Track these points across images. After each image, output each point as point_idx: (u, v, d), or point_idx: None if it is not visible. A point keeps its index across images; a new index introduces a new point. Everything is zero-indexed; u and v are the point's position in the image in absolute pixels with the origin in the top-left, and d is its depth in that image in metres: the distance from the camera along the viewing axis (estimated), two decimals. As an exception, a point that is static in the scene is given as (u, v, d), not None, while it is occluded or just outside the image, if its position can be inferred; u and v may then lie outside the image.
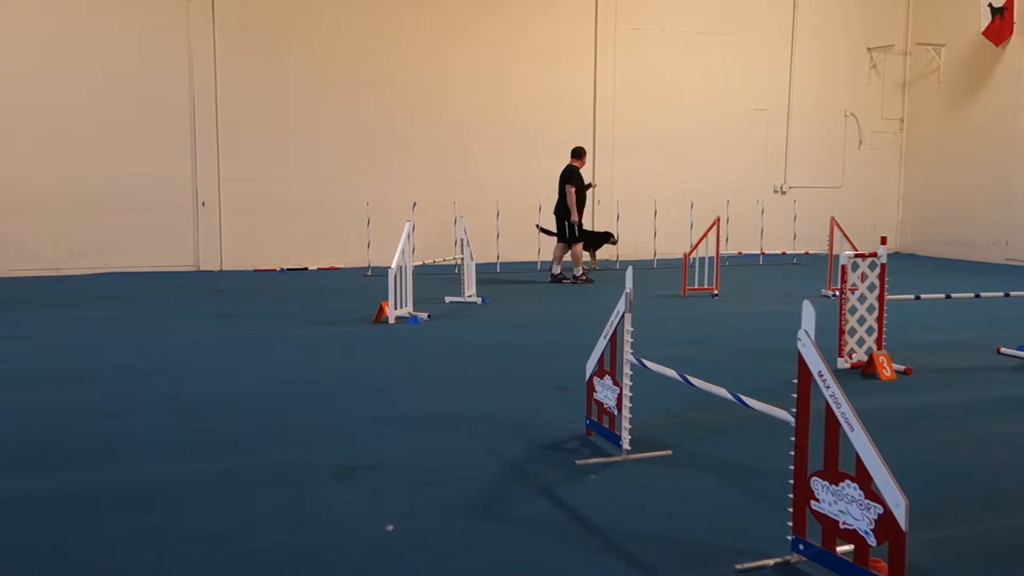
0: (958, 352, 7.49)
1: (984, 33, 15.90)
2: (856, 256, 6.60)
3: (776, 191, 17.38)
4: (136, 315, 9.46)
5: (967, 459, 4.61)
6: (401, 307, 9.03)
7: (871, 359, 6.47)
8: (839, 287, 6.64)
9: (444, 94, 15.20)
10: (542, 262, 14.27)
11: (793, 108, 17.40)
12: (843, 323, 6.57)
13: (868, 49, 17.75)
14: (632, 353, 4.35)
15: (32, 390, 6.02)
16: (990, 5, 15.74)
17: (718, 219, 11.65)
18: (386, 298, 8.88)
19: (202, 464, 4.41)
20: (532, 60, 15.63)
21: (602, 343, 4.63)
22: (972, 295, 7.96)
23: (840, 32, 17.53)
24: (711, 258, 11.43)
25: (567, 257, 12.70)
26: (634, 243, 15.27)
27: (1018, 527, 3.67)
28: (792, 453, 3.19)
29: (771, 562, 3.24)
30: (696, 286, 11.45)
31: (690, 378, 4.03)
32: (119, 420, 5.24)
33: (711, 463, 4.44)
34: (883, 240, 6.74)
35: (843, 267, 6.50)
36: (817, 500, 3.08)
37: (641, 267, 13.88)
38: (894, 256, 15.09)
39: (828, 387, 3.00)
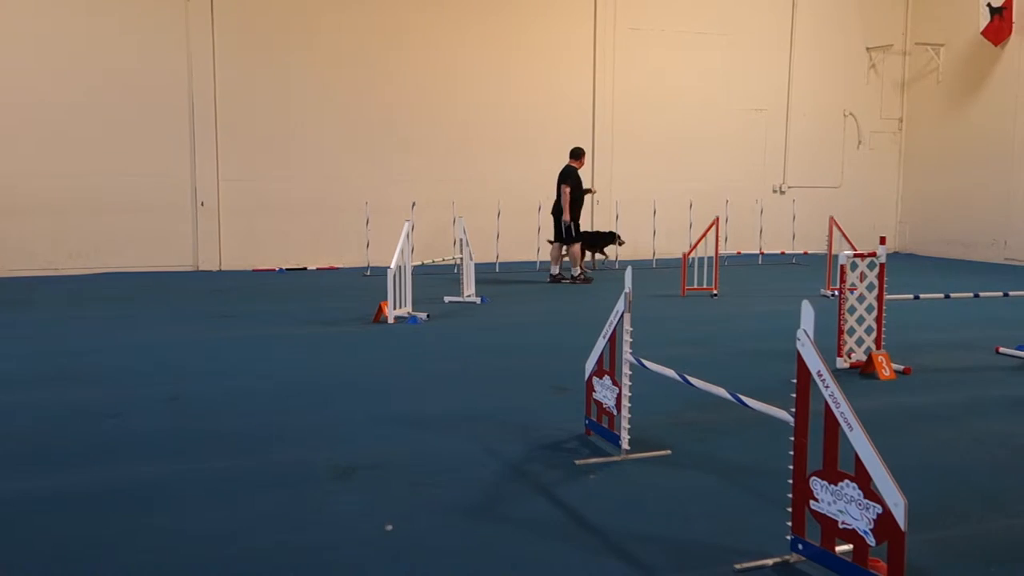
0: (957, 352, 7.50)
1: (983, 33, 15.91)
2: (855, 256, 6.60)
3: (775, 191, 17.39)
4: (135, 315, 9.46)
5: (966, 459, 4.61)
6: (400, 307, 9.03)
7: (870, 359, 6.47)
8: (838, 287, 6.64)
9: (443, 94, 15.20)
10: (541, 262, 14.27)
11: (792, 108, 17.41)
12: (842, 323, 6.57)
13: (867, 49, 17.76)
14: (631, 353, 4.36)
15: (32, 390, 6.02)
16: (989, 5, 15.75)
17: (717, 219, 11.65)
18: (385, 298, 8.88)
19: (202, 464, 4.42)
20: (531, 60, 15.63)
21: (601, 343, 4.64)
22: (971, 295, 7.96)
23: (839, 32, 17.53)
24: (710, 258, 11.43)
25: (565, 257, 12.70)
26: (633, 243, 15.26)
27: (1017, 527, 3.68)
28: (791, 453, 3.19)
29: (770, 562, 3.25)
30: (695, 286, 11.46)
31: (689, 378, 4.03)
32: (119, 420, 5.24)
33: (710, 463, 4.44)
34: (882, 240, 6.74)
35: (842, 267, 6.51)
36: (816, 500, 3.08)
37: (640, 267, 13.89)
38: (893, 256, 15.10)
39: (827, 387, 3.01)
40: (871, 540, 2.87)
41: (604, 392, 4.61)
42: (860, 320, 6.63)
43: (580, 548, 3.41)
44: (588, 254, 14.49)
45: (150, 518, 3.70)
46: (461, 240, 10.83)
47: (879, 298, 6.61)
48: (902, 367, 6.60)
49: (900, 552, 2.76)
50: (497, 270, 14.06)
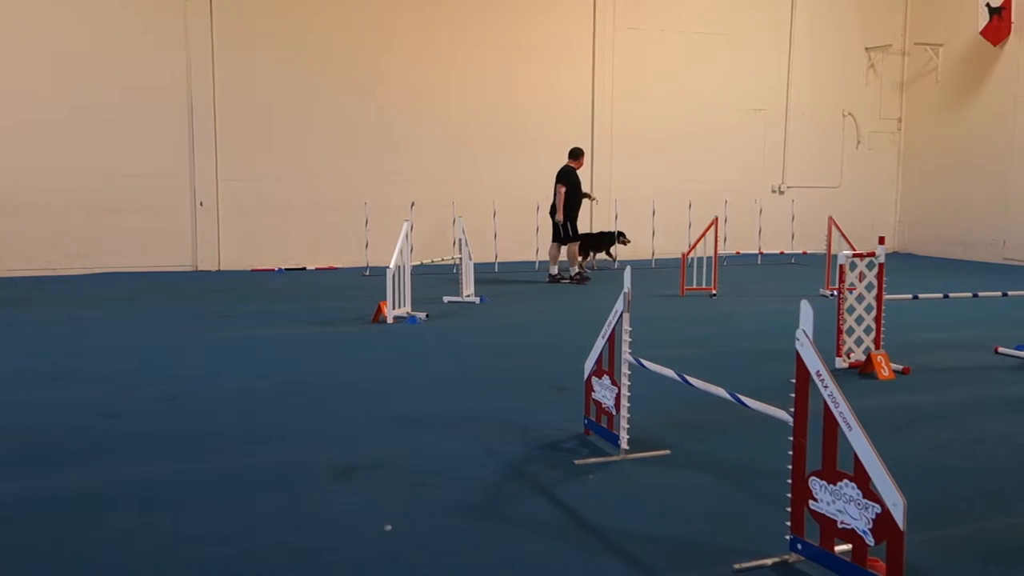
0: (956, 352, 7.50)
1: (982, 33, 15.91)
2: (854, 256, 6.61)
3: (774, 191, 17.39)
4: (134, 315, 9.46)
5: (965, 458, 4.62)
6: (399, 307, 9.03)
7: (869, 359, 6.47)
8: (837, 287, 6.65)
9: (442, 94, 15.20)
10: (540, 262, 14.27)
11: (791, 108, 17.41)
12: (841, 323, 6.57)
13: (866, 49, 17.77)
14: (630, 353, 4.36)
15: (31, 390, 6.02)
16: (988, 5, 15.75)
17: (716, 219, 11.65)
18: (384, 298, 8.88)
19: (201, 464, 4.42)
20: (530, 60, 15.63)
21: (600, 343, 4.64)
22: (970, 295, 7.96)
23: (838, 32, 17.54)
24: (709, 258, 11.44)
25: (562, 257, 12.70)
26: (632, 243, 15.24)
27: (1016, 526, 3.68)
28: (790, 453, 3.19)
29: (769, 562, 3.25)
30: (694, 286, 11.46)
31: (688, 378, 4.04)
32: (118, 420, 5.24)
33: (709, 463, 4.45)
34: (881, 240, 6.74)
35: (841, 267, 6.51)
36: (815, 500, 3.09)
37: (639, 267, 13.89)
38: (892, 256, 15.10)
39: (826, 387, 3.01)
40: (870, 540, 2.87)
41: (603, 392, 4.61)
42: (859, 320, 6.64)
43: (579, 548, 3.41)
44: (592, 254, 14.52)
45: (150, 518, 3.71)
46: (460, 240, 10.83)
47: (878, 298, 6.61)
48: (901, 367, 6.60)
49: (899, 552, 2.77)
50: (496, 270, 14.07)
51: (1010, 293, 7.97)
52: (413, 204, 13.33)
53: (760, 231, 15.84)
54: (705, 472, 4.31)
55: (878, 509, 2.82)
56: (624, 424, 4.42)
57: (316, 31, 14.48)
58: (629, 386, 4.40)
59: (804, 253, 15.08)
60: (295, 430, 5.06)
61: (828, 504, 3.03)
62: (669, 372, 4.20)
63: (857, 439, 2.88)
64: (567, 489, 4.06)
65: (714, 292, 11.21)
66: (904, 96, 18.19)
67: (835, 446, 3.03)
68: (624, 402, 4.40)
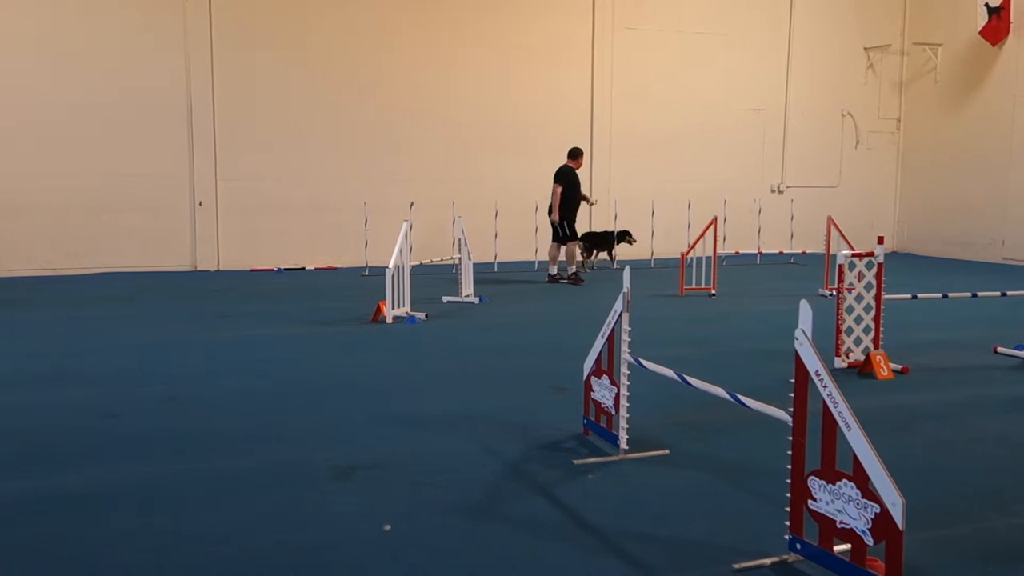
0: (955, 351, 7.51)
1: (981, 33, 15.92)
2: (853, 255, 6.61)
3: (773, 190, 17.40)
4: (134, 315, 9.46)
5: (964, 458, 4.62)
6: (399, 307, 9.03)
7: (868, 358, 6.48)
8: (836, 286, 6.65)
9: (442, 94, 15.20)
10: (539, 262, 14.27)
11: (790, 108, 17.42)
12: (840, 322, 6.58)
13: (865, 49, 17.78)
14: (630, 353, 4.36)
15: (31, 390, 6.02)
16: (987, 5, 15.76)
17: (715, 219, 11.65)
18: (384, 298, 8.88)
19: (201, 464, 4.42)
20: (530, 60, 15.64)
21: (600, 343, 4.64)
22: (969, 294, 7.96)
23: (837, 32, 17.55)
24: (708, 258, 11.44)
25: (562, 257, 12.70)
26: (632, 243, 15.26)
27: (1015, 526, 3.69)
28: (789, 452, 3.20)
29: (768, 561, 3.26)
30: (693, 286, 11.47)
31: (687, 378, 4.04)
32: (118, 420, 5.24)
33: (708, 463, 4.45)
34: (880, 239, 6.75)
35: (840, 266, 6.52)
36: (814, 499, 3.09)
37: (638, 267, 13.90)
38: (891, 255, 15.10)
39: (825, 386, 3.01)
40: (869, 539, 2.88)
41: (602, 392, 4.62)
42: (858, 320, 6.64)
43: (579, 548, 3.41)
44: (595, 253, 14.52)
45: (150, 518, 3.71)
46: (460, 240, 10.83)
47: (877, 298, 6.61)
48: (900, 367, 6.61)
49: (898, 551, 2.77)
50: (495, 270, 14.07)
51: (1009, 293, 7.97)
52: (412, 204, 13.34)
53: (759, 231, 15.84)
54: (704, 472, 4.31)
55: (877, 509, 2.83)
56: (623, 424, 4.43)
57: (316, 31, 14.48)
58: (628, 386, 4.41)
59: (803, 253, 15.08)
60: (295, 430, 5.07)
61: (827, 504, 3.04)
62: (668, 372, 4.20)
63: (856, 439, 2.89)
64: (566, 489, 4.06)
65: (713, 292, 11.22)
66: (903, 96, 18.20)
67: (834, 446, 3.03)
68: (623, 402, 4.41)
